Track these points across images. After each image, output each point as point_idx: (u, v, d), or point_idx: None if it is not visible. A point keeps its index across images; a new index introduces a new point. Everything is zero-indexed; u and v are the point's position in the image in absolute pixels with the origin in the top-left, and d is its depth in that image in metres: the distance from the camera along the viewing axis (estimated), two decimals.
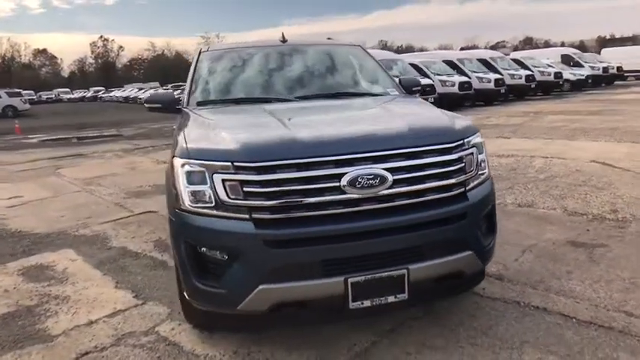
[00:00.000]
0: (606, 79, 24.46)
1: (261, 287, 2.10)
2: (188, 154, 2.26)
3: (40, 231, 4.93)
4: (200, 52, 3.66)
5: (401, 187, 2.19)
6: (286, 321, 2.32)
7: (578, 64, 24.04)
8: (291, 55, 3.66)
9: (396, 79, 3.76)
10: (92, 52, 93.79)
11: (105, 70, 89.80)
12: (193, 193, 2.22)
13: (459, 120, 2.61)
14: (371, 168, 2.16)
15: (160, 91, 3.94)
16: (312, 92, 3.30)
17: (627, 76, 28.02)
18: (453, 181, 2.31)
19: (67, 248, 4.35)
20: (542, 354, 2.32)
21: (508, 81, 18.86)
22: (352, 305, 2.15)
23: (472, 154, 2.43)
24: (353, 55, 3.88)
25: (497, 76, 18.33)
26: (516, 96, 19.48)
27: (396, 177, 2.18)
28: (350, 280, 2.12)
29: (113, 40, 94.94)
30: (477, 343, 2.45)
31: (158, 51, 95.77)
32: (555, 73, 20.75)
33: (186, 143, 2.34)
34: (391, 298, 2.20)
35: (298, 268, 2.11)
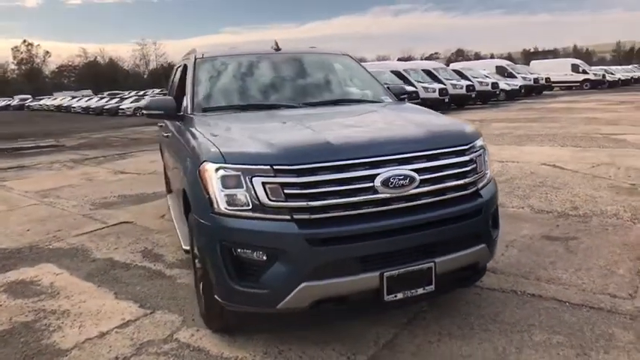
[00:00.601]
0: (537, 89, 26.45)
1: (303, 285, 2.19)
2: (223, 159, 2.30)
3: (8, 246, 4.64)
4: (196, 59, 3.66)
5: (426, 186, 2.37)
6: (323, 317, 2.41)
7: (511, 75, 25.82)
8: (290, 63, 3.76)
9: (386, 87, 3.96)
10: (14, 57, 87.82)
11: (29, 77, 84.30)
12: (229, 197, 2.27)
13: (466, 125, 2.84)
14: (400, 169, 2.31)
15: (159, 97, 3.87)
16: (316, 99, 3.42)
17: (554, 86, 30.44)
18: (468, 180, 2.52)
19: (45, 262, 4.14)
20: (549, 334, 2.56)
21: (450, 91, 19.90)
22: (387, 298, 2.28)
23: (481, 155, 2.65)
24: (346, 63, 4.05)
25: (442, 85, 19.33)
26: (457, 105, 20.58)
27: (421, 177, 2.35)
28: (385, 275, 2.25)
29: (39, 45, 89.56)
30: (489, 329, 2.66)
31: (90, 57, 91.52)
32: (492, 84, 22.17)
33: (216, 148, 2.38)
34: (420, 290, 2.35)
35: (338, 264, 2.21)
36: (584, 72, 32.42)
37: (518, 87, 24.62)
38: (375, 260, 2.26)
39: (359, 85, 3.84)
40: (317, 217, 2.21)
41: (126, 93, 49.56)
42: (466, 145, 2.57)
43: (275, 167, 2.21)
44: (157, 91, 49.63)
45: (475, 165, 2.57)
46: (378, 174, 2.27)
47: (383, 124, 2.79)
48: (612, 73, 33.97)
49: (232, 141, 2.48)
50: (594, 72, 32.71)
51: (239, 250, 2.28)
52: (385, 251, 2.27)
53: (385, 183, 2.27)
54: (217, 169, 2.31)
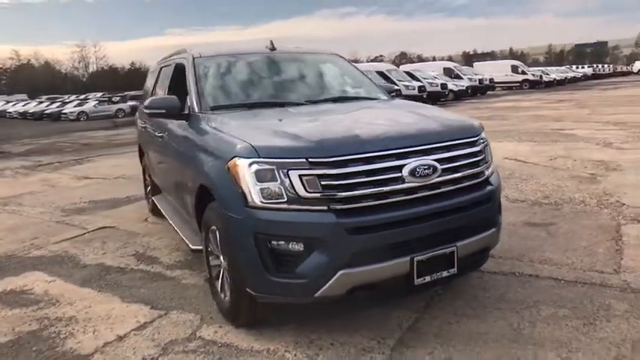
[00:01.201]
0: (482, 90, 27.80)
1: (341, 272, 2.27)
2: (257, 154, 2.34)
3: None
4: (194, 58, 3.64)
5: (446, 175, 2.52)
6: (357, 303, 2.49)
7: (458, 77, 26.97)
8: (288, 63, 3.82)
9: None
10: None
11: None
12: (264, 190, 2.31)
13: (471, 119, 3.02)
14: (424, 159, 2.45)
15: (161, 96, 3.78)
16: (318, 97, 3.51)
17: (496, 86, 32.09)
18: (479, 169, 2.70)
19: (31, 271, 3.95)
20: (555, 308, 2.79)
21: (403, 91, 20.51)
22: (417, 281, 2.41)
23: (487, 146, 2.84)
24: (338, 63, 4.15)
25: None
26: None
27: (442, 166, 2.50)
28: (415, 259, 2.38)
29: None
30: (501, 307, 2.85)
31: (23, 60, 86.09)
32: (442, 85, 23.08)
33: (247, 143, 2.41)
34: (445, 273, 2.50)
35: (372, 252, 2.31)
36: (523, 73, 34.42)
37: (465, 88, 25.76)
38: (405, 246, 2.37)
39: (353, 83, 3.96)
40: (352, 207, 2.29)
41: (66, 97, 47.08)
42: (475, 136, 2.75)
43: (310, 160, 2.28)
44: (100, 94, 47.48)
45: (484, 155, 2.76)
46: (405, 164, 2.40)
47: (400, 119, 2.92)
48: (548, 74, 36.26)
49: (261, 136, 2.52)
50: (532, 73, 34.83)
51: (275, 242, 2.32)
52: (414, 237, 2.39)
53: (412, 173, 2.39)
54: (251, 164, 2.34)
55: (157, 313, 3.04)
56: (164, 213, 4.35)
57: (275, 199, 2.30)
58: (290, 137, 2.44)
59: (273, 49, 3.95)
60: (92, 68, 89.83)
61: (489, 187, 2.73)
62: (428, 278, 2.44)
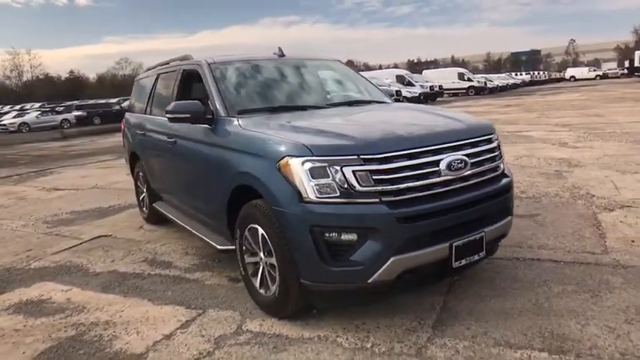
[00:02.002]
0: (432, 96, 29.00)
1: (393, 259, 2.48)
2: (310, 152, 2.51)
3: None
4: (209, 64, 3.74)
5: (474, 168, 2.80)
6: (403, 287, 2.70)
7: (410, 84, 28.01)
8: (299, 68, 4.00)
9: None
10: None
11: None
12: (318, 186, 2.49)
13: (483, 119, 3.34)
14: (457, 154, 2.72)
15: (183, 101, 3.79)
16: (335, 100, 3.72)
17: (445, 93, 33.57)
18: (497, 163, 3.01)
19: (40, 282, 3.87)
20: (563, 285, 3.14)
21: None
22: (454, 264, 2.67)
23: (499, 142, 3.17)
24: (342, 68, 4.39)
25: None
26: None
27: (471, 161, 2.78)
28: (454, 245, 2.63)
29: None
30: (516, 287, 3.16)
31: None
32: (397, 91, 23.82)
33: (299, 143, 2.57)
34: (476, 256, 2.78)
35: (418, 238, 2.54)
36: (469, 80, 36.26)
37: (417, 94, 26.82)
38: (445, 233, 2.63)
39: (360, 87, 4.20)
40: (400, 199, 2.52)
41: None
42: (491, 134, 3.06)
43: (362, 157, 2.49)
44: (38, 105, 45.02)
45: (499, 151, 3.08)
46: (442, 159, 2.66)
47: (428, 119, 3.19)
48: (491, 81, 38.40)
49: (307, 136, 2.69)
50: (477, 80, 36.74)
51: (330, 234, 2.49)
52: (452, 225, 2.65)
53: (448, 166, 2.66)
54: (304, 162, 2.51)
55: (195, 312, 3.12)
56: (172, 219, 4.37)
57: (328, 193, 2.49)
58: (338, 137, 2.63)
59: (282, 55, 4.13)
60: (26, 77, 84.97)
61: (506, 179, 3.05)
62: (463, 261, 2.71)
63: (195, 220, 3.99)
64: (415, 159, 2.59)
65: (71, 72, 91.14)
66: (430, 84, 29.26)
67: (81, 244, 4.86)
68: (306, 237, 2.51)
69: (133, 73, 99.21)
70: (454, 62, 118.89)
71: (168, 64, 4.86)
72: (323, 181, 2.49)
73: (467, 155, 2.77)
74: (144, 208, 5.49)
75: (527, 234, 4.16)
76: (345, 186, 2.47)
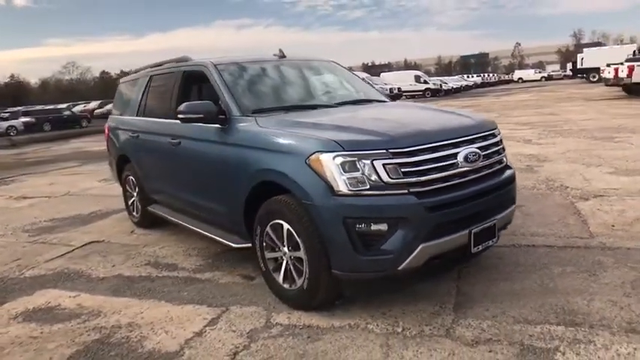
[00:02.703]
0: (392, 99, 29.61)
1: (421, 246, 2.63)
2: (341, 147, 2.63)
3: None
4: (215, 65, 3.77)
5: (485, 160, 3.01)
6: (428, 273, 2.85)
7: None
8: (302, 69, 4.10)
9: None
10: None
11: None
12: (350, 179, 2.61)
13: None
14: (471, 148, 2.92)
15: (196, 102, 3.78)
16: (341, 100, 3.85)
17: (403, 95, 34.41)
18: (501, 156, 3.24)
19: (42, 290, 3.77)
20: (561, 267, 3.40)
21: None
22: (473, 250, 2.86)
23: (501, 137, 3.40)
24: (340, 69, 4.53)
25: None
26: None
27: (482, 153, 2.99)
28: (473, 231, 2.82)
29: None
30: (520, 271, 3.40)
31: None
32: None
33: (328, 139, 2.69)
34: (490, 242, 2.98)
35: (443, 226, 2.71)
36: (425, 82, 37.37)
37: None
38: (465, 220, 2.81)
39: (359, 87, 4.35)
40: (426, 190, 2.68)
41: None
42: (495, 129, 3.29)
43: (391, 151, 2.63)
44: None
45: (502, 145, 3.31)
46: (459, 152, 2.85)
47: (441, 116, 3.39)
48: (446, 83, 39.77)
49: (335, 132, 2.80)
50: (433, 82, 37.93)
51: (362, 225, 2.61)
52: (471, 213, 2.84)
53: (465, 158, 2.85)
54: (335, 157, 2.62)
55: (219, 310, 3.15)
56: (175, 221, 4.35)
57: (359, 186, 2.61)
58: (364, 132, 2.76)
59: (282, 56, 4.21)
60: None
61: (510, 171, 3.28)
62: (480, 247, 2.90)
63: (202, 221, 4.00)
64: (437, 152, 2.76)
65: (12, 76, 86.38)
66: (389, 86, 29.94)
67: (73, 250, 4.73)
68: (339, 228, 2.62)
69: (82, 77, 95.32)
70: (407, 65, 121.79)
71: (161, 65, 4.84)
72: (353, 174, 2.61)
73: (479, 148, 2.98)
74: (134, 213, 5.40)
75: (518, 223, 4.43)
76: (375, 178, 2.60)
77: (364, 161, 2.61)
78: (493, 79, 60.05)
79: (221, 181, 3.48)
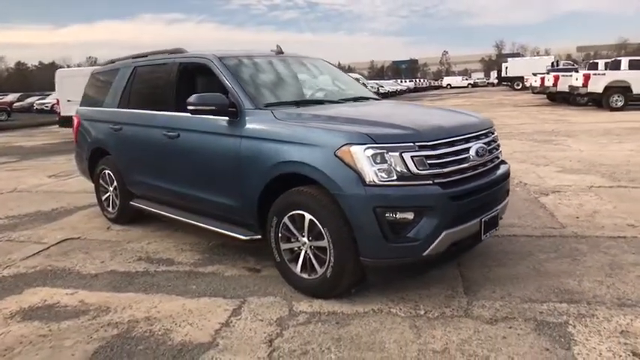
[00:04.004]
0: None
1: (445, 232, 2.82)
2: (372, 140, 2.76)
3: None
4: (219, 58, 3.75)
5: (490, 155, 3.28)
6: (445, 258, 3.04)
7: None
8: (302, 66, 4.18)
9: None
10: None
11: None
12: (380, 170, 2.74)
13: None
14: (479, 143, 3.17)
15: (208, 94, 3.69)
16: (344, 97, 3.98)
17: None
18: (498, 152, 3.53)
19: (31, 288, 3.54)
20: (545, 254, 3.76)
21: None
22: (483, 237, 3.11)
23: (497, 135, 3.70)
24: (330, 66, 4.65)
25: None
26: None
27: (488, 148, 3.25)
28: (483, 220, 3.07)
29: None
30: (511, 258, 3.71)
31: None
32: None
33: (358, 132, 2.81)
34: (493, 231, 3.26)
35: (462, 215, 2.92)
36: (364, 85, 38.27)
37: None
38: (478, 209, 3.05)
39: (353, 85, 4.51)
40: (447, 180, 2.88)
41: None
42: (493, 127, 3.58)
43: (418, 144, 2.80)
44: None
45: (498, 141, 3.60)
46: (471, 146, 3.08)
47: (449, 114, 3.62)
48: (383, 87, 41.00)
49: (363, 126, 2.92)
50: (371, 85, 38.96)
51: (391, 214, 2.76)
52: (482, 203, 3.08)
53: (476, 153, 3.09)
54: (366, 149, 2.75)
55: (237, 301, 3.15)
56: (169, 216, 4.24)
57: (387, 177, 2.76)
58: (391, 127, 2.92)
59: (280, 52, 4.27)
60: None
61: (506, 166, 3.58)
62: (488, 235, 3.16)
63: (201, 214, 3.94)
64: (454, 146, 2.98)
65: None
66: None
67: (49, 248, 4.46)
68: (370, 217, 2.75)
69: None
70: (341, 68, 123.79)
71: (146, 56, 4.69)
72: (383, 166, 2.75)
73: (485, 143, 3.24)
74: (109, 208, 5.17)
75: None
76: (402, 170, 2.76)
77: (392, 153, 2.76)
78: (425, 85, 62.85)
79: (230, 173, 3.47)
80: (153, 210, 4.45)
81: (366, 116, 3.20)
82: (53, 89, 16.83)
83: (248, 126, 3.35)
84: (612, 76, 15.77)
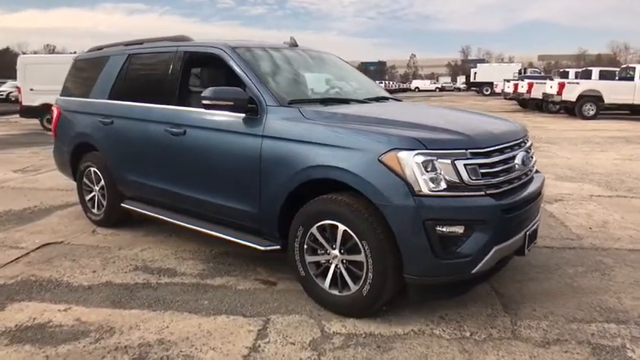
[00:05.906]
0: None
1: (495, 248, 2.60)
2: (424, 146, 2.50)
3: None
4: (233, 48, 3.40)
5: (531, 162, 3.09)
6: (488, 274, 2.81)
7: None
8: (318, 60, 3.89)
9: None
10: None
11: None
12: (430, 179, 2.49)
13: None
14: (523, 151, 2.97)
15: (226, 87, 3.31)
16: (367, 96, 3.70)
17: None
18: (535, 159, 3.35)
19: (15, 303, 3.09)
20: (572, 268, 3.61)
21: None
22: (526, 251, 2.91)
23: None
24: (342, 62, 4.38)
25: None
26: None
27: (529, 155, 3.06)
28: (527, 233, 2.87)
29: None
30: (538, 271, 3.54)
31: None
32: None
33: (408, 136, 2.55)
34: (534, 243, 3.07)
35: (511, 228, 2.71)
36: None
37: None
38: (523, 222, 2.85)
39: (369, 83, 4.26)
40: (499, 191, 2.65)
41: None
42: (528, 133, 3.40)
43: (470, 151, 2.56)
44: None
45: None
46: (517, 154, 2.88)
47: (487, 119, 3.39)
48: None
49: (409, 129, 2.67)
50: None
51: (441, 227, 2.51)
52: (527, 215, 2.89)
53: (522, 161, 2.89)
54: (415, 155, 2.49)
55: (260, 320, 2.83)
56: (170, 221, 3.83)
57: (438, 186, 2.51)
58: (441, 131, 2.67)
59: (294, 45, 3.95)
60: None
61: (542, 175, 3.40)
62: (530, 247, 2.97)
63: (206, 220, 3.57)
64: (504, 154, 2.76)
65: None
66: None
67: (28, 254, 3.98)
68: (419, 231, 2.49)
69: None
70: None
71: (141, 44, 4.27)
72: (433, 174, 2.50)
73: (526, 150, 3.04)
74: (94, 210, 4.70)
75: None
76: (453, 179, 2.52)
77: (443, 160, 2.52)
78: (394, 87, 63.44)
79: (247, 176, 3.13)
80: (148, 213, 4.03)
81: (405, 118, 2.94)
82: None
83: (271, 125, 3.03)
84: (586, 85, 16.22)
